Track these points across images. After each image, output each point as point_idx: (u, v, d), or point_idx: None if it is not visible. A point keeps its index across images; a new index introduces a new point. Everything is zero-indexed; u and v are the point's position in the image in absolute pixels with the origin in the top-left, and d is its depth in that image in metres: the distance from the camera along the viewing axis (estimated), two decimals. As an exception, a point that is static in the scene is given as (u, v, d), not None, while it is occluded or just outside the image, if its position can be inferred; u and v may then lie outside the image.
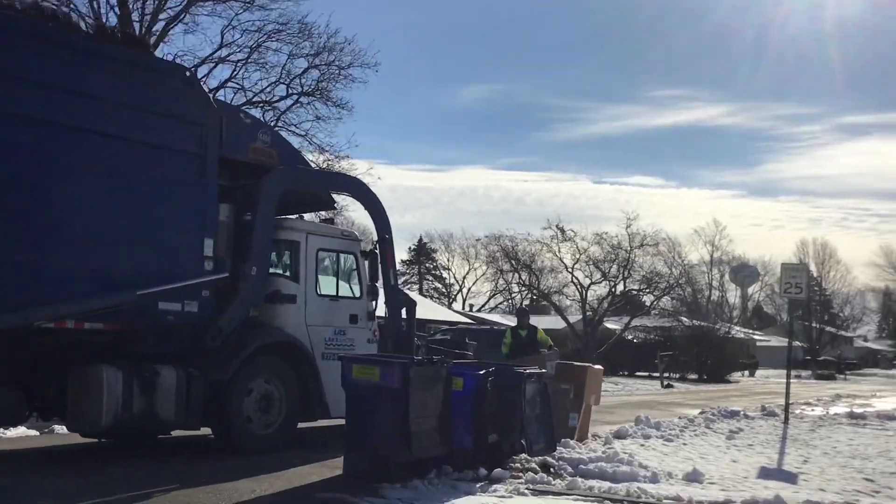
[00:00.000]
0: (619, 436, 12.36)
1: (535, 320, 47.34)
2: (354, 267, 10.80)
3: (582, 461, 9.41)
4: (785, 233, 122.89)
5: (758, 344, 70.29)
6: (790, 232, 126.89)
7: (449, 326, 34.68)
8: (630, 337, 46.83)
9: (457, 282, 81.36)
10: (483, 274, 71.08)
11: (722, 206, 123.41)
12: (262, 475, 8.02)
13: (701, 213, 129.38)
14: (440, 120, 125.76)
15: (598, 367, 12.91)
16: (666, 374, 37.63)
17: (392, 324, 10.90)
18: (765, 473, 10.29)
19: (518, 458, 9.31)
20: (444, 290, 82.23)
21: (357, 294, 10.76)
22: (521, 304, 74.78)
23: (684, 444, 12.34)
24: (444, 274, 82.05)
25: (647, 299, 47.31)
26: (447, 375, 8.35)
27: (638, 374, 44.08)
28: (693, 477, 9.17)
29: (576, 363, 13.06)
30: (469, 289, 79.91)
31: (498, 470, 8.54)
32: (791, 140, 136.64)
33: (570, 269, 45.54)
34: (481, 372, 8.93)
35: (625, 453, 10.52)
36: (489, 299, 76.63)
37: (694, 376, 42.47)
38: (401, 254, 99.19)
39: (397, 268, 11.23)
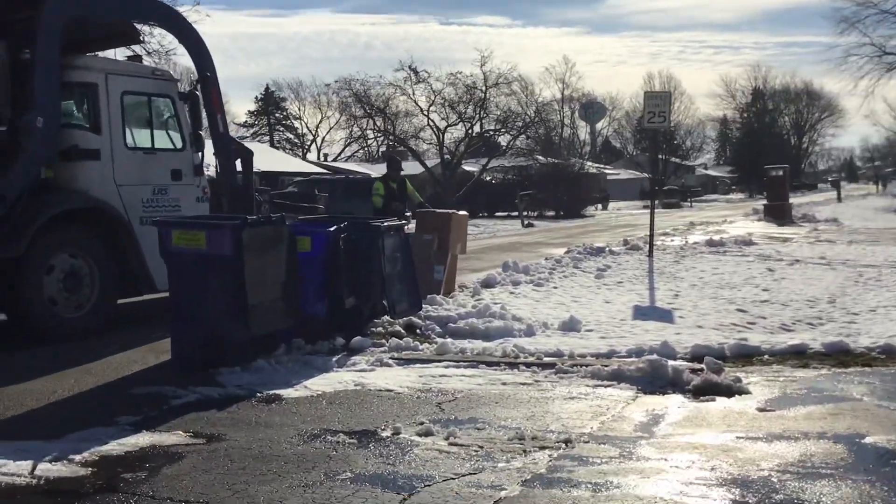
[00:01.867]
0: (488, 284, 11.55)
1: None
2: (172, 113, 8.98)
3: (451, 319, 8.46)
4: (628, 68, 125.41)
5: (608, 178, 72.15)
6: (632, 67, 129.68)
7: (302, 178, 32.92)
8: (488, 178, 46.52)
9: (310, 131, 78.43)
10: (337, 122, 68.37)
11: (568, 44, 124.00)
12: (69, 369, 6.60)
13: (548, 51, 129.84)
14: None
15: (462, 212, 11.88)
16: (525, 213, 37.65)
17: (225, 178, 9.31)
18: (640, 313, 9.76)
19: (380, 322, 8.25)
20: (296, 140, 79.16)
21: (178, 145, 9.02)
22: (379, 151, 73.38)
23: (555, 287, 11.70)
24: (296, 124, 78.77)
25: (504, 139, 46.90)
26: (290, 235, 7.03)
27: (497, 214, 44.10)
28: (570, 325, 8.44)
29: (438, 210, 11.92)
30: (323, 138, 77.31)
31: (357, 338, 7.46)
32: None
33: (425, 112, 44.23)
34: (331, 229, 7.66)
35: (495, 304, 9.68)
36: (345, 148, 74.46)
37: (552, 213, 42.87)
38: (247, 104, 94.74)
39: (226, 112, 9.47)
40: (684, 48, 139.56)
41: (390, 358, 6.94)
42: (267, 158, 46.62)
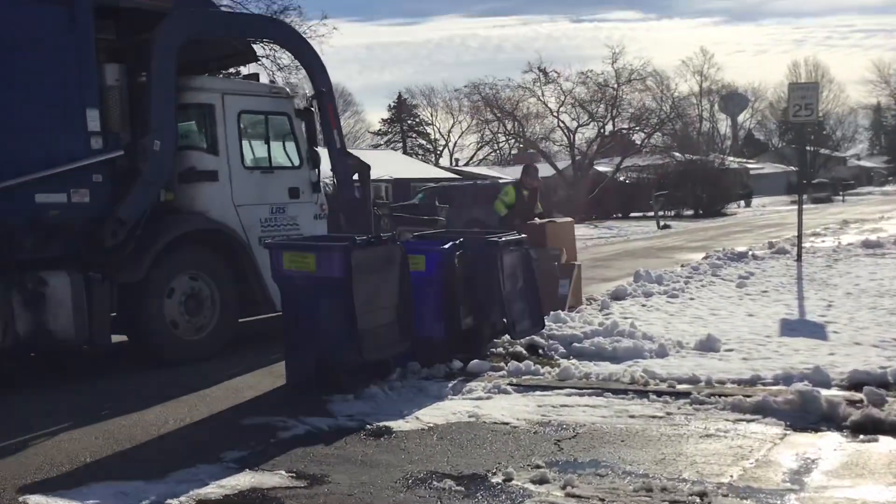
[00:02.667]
0: (618, 297, 10.92)
1: (520, 170, 45.77)
2: (289, 130, 8.89)
3: (576, 338, 7.95)
4: (770, 56, 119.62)
5: (751, 172, 68.83)
6: (775, 56, 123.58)
7: (431, 185, 32.95)
8: (622, 178, 45.21)
9: (442, 137, 78.99)
10: (468, 127, 68.45)
11: (705, 35, 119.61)
12: (185, 396, 6.53)
13: (684, 44, 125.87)
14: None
15: (565, 219, 11.21)
16: (661, 213, 36.29)
17: (342, 194, 9.14)
18: (788, 328, 8.89)
19: (501, 343, 7.86)
20: (429, 146, 79.94)
21: (295, 162, 8.93)
22: (510, 154, 72.97)
23: (691, 298, 10.93)
24: (429, 130, 79.52)
25: (638, 137, 45.47)
26: (403, 255, 6.72)
27: (632, 215, 42.77)
28: (708, 344, 7.74)
29: (536, 221, 11.01)
30: (455, 143, 77.67)
31: (475, 362, 7.07)
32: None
33: (555, 113, 43.55)
34: (446, 246, 7.31)
35: (625, 320, 9.09)
36: (476, 151, 74.52)
37: (690, 212, 41.17)
38: (381, 113, 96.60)
39: (342, 127, 9.28)
40: (831, 33, 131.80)
41: (508, 384, 6.51)
42: (399, 166, 47.19)
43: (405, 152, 70.88)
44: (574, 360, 7.43)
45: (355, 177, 9.32)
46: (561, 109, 43.49)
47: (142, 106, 7.60)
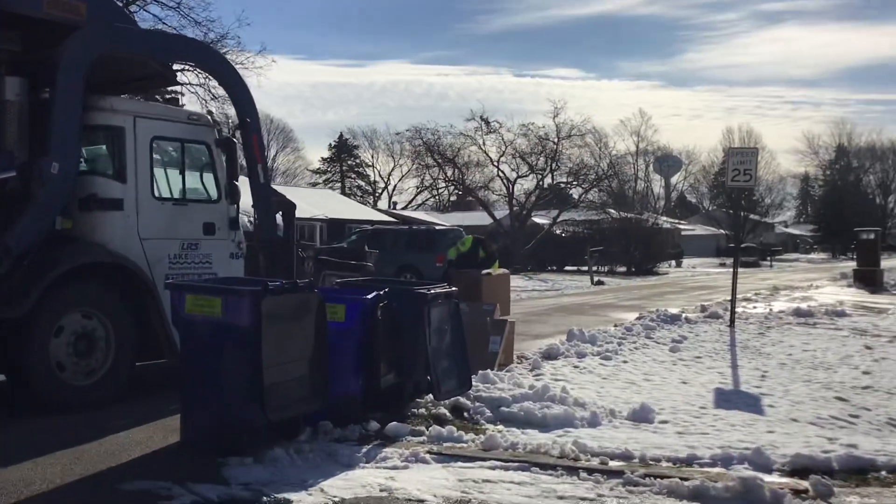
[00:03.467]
0: (550, 356, 10.47)
1: (460, 217, 45.36)
2: (208, 160, 8.24)
3: (504, 401, 7.42)
4: (704, 122, 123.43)
5: (682, 233, 70.04)
6: (709, 121, 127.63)
7: (371, 226, 32.37)
8: (559, 231, 45.35)
9: (382, 179, 78.64)
10: (409, 171, 68.19)
11: (642, 98, 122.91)
12: (60, 451, 5.76)
13: (622, 104, 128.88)
14: (358, 11, 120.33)
15: (500, 271, 10.84)
16: (595, 269, 36.32)
17: (263, 233, 8.49)
18: (723, 398, 8.54)
19: (423, 403, 7.29)
20: (368, 188, 79.47)
21: (213, 196, 8.27)
22: (449, 200, 72.84)
23: (624, 361, 10.54)
24: (369, 171, 79.11)
25: (576, 192, 45.78)
26: (320, 304, 6.13)
27: (567, 268, 42.84)
28: (641, 415, 7.31)
29: (471, 270, 10.58)
30: (395, 186, 77.35)
31: (393, 425, 6.48)
32: (709, 29, 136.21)
33: (495, 163, 43.56)
34: (369, 296, 6.75)
35: (557, 382, 8.64)
36: (415, 196, 74.26)
37: (623, 269, 41.38)
38: (321, 151, 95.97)
39: (268, 162, 8.68)
40: (761, 103, 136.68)
41: (428, 452, 5.92)
42: (336, 205, 46.52)
43: (343, 192, 70.25)
44: (501, 426, 6.91)
45: (279, 216, 8.71)
46: (501, 159, 43.56)
47: (42, 125, 6.90)
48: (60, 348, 6.91)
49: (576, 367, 9.93)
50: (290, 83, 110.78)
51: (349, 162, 78.37)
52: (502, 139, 42.69)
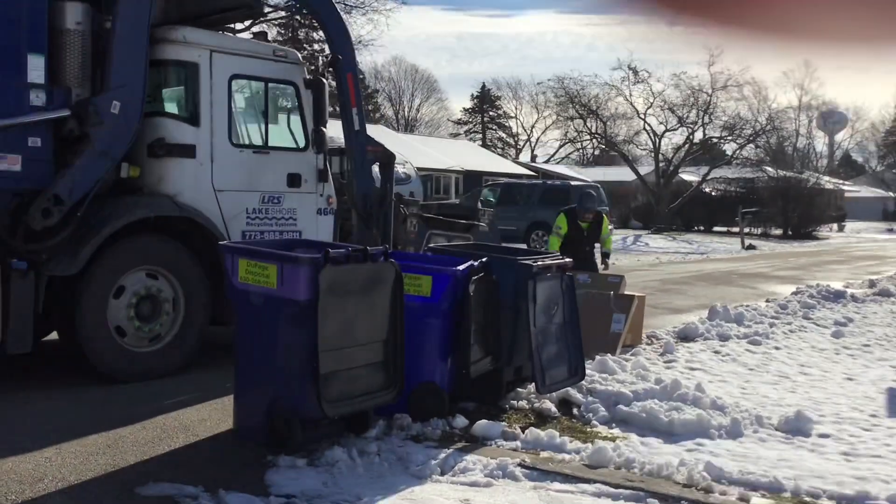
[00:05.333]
0: (686, 337, 9.07)
1: (601, 172, 43.36)
2: (296, 103, 7.29)
3: (623, 398, 6.18)
4: (875, 75, 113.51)
5: (846, 195, 64.83)
6: (881, 75, 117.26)
7: (507, 179, 31.18)
8: (708, 190, 42.55)
9: (525, 132, 76.83)
10: (553, 123, 65.99)
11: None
12: (93, 434, 5.01)
13: (783, 54, 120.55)
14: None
15: (638, 295, 8.80)
16: (747, 231, 33.71)
17: (357, 187, 7.52)
18: (900, 405, 6.96)
19: (525, 394, 6.18)
20: (509, 140, 77.92)
21: (300, 143, 7.35)
22: (593, 154, 70.39)
23: (776, 347, 8.99)
24: (511, 124, 77.44)
25: (729, 148, 42.75)
26: (396, 275, 5.08)
27: (716, 229, 40.19)
28: (797, 425, 5.90)
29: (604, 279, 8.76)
30: (538, 139, 75.40)
31: (483, 423, 5.40)
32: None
33: (642, 116, 41.16)
34: (461, 267, 5.63)
35: (692, 372, 7.32)
36: (558, 149, 72.12)
37: (778, 232, 38.37)
38: (465, 102, 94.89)
39: (364, 106, 7.58)
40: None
41: (519, 465, 4.80)
42: (474, 158, 45.48)
43: (484, 144, 69.09)
44: (617, 430, 5.70)
45: (376, 168, 7.71)
46: (648, 112, 41.09)
47: (102, 58, 6.12)
48: (120, 311, 6.20)
49: (716, 352, 8.50)
50: (437, 34, 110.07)
51: (490, 113, 76.92)
52: (650, 90, 40.25)
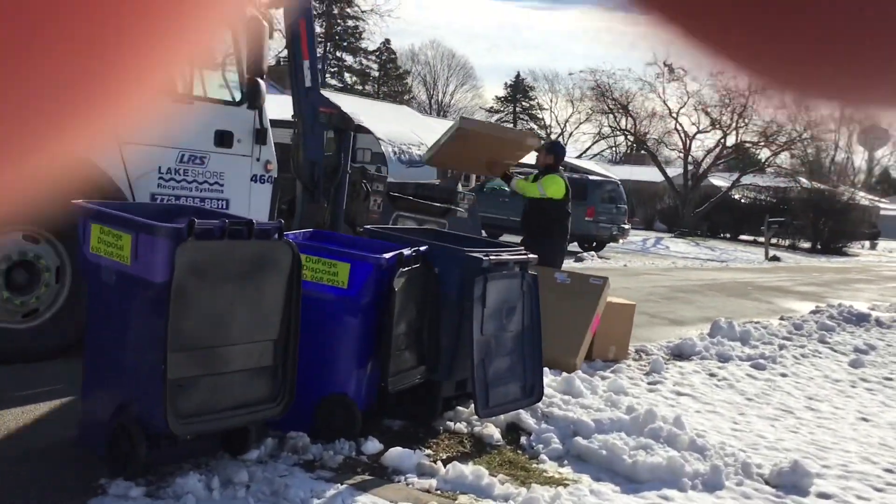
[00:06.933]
0: (681, 354, 7.96)
1: (628, 171, 41.89)
2: (231, 48, 6.21)
3: (583, 428, 5.10)
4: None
5: (881, 212, 62.76)
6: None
7: (526, 170, 29.94)
8: (737, 196, 41.06)
9: (558, 125, 75.30)
10: (588, 118, 64.45)
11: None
12: None
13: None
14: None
15: (623, 301, 7.56)
16: (775, 242, 32.29)
17: (304, 154, 6.45)
18: (923, 459, 5.81)
19: (468, 414, 5.12)
20: (541, 132, 76.47)
21: (234, 96, 6.27)
22: (627, 152, 68.74)
23: (783, 374, 7.85)
24: (545, 116, 75.98)
25: (764, 155, 41.17)
26: (293, 260, 4.02)
27: (742, 238, 38.75)
28: (790, 478, 4.80)
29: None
30: (571, 133, 73.85)
31: (396, 451, 4.33)
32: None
33: (674, 115, 39.69)
34: (388, 255, 4.56)
35: (677, 398, 6.24)
36: (591, 145, 70.57)
37: (807, 245, 36.85)
38: (499, 91, 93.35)
39: (314, 63, 6.37)
40: None
41: (426, 512, 3.75)
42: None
43: (514, 134, 67.67)
44: (568, 469, 4.63)
45: (330, 134, 6.64)
46: (682, 111, 39.62)
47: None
48: (-11, 279, 5.20)
49: (712, 375, 7.38)
50: (478, 22, 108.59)
51: (523, 103, 75.57)
52: (685, 89, 38.73)
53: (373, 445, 4.43)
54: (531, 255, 5.31)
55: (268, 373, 4.03)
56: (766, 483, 4.78)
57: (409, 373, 4.79)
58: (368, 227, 5.30)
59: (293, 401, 4.07)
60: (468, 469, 4.22)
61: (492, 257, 4.95)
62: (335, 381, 4.53)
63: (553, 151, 7.87)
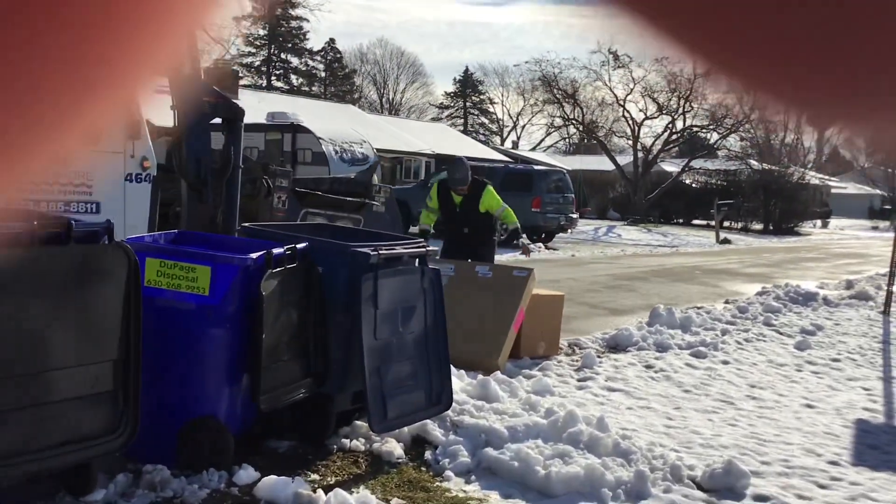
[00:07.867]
0: (617, 345, 7.50)
1: (579, 161, 41.58)
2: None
3: (495, 437, 4.57)
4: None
5: (832, 191, 63.51)
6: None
7: (472, 164, 29.42)
8: (688, 181, 40.98)
9: (510, 118, 75.01)
10: (540, 109, 64.18)
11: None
12: None
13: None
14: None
15: (554, 293, 7.13)
16: (728, 225, 32.18)
17: (188, 149, 5.84)
18: (869, 445, 5.41)
19: (365, 430, 4.57)
20: (493, 126, 76.19)
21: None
22: (574, 141, 68.67)
23: (725, 362, 7.41)
24: (497, 110, 75.67)
25: (712, 138, 41.16)
26: (130, 266, 3.42)
27: (695, 222, 38.70)
28: (724, 481, 4.34)
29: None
30: (524, 126, 73.62)
31: (270, 480, 3.76)
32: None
33: (621, 102, 39.47)
34: (255, 255, 3.97)
35: (608, 394, 5.76)
36: (543, 138, 70.39)
37: (759, 227, 36.89)
38: (447, 86, 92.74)
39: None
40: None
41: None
42: (449, 142, 43.69)
43: (465, 130, 67.32)
44: (475, 485, 4.11)
45: (217, 122, 6.03)
46: (628, 98, 39.41)
47: None
48: None
49: (648, 366, 6.91)
50: (427, 21, 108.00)
51: (473, 98, 75.14)
52: (631, 76, 38.52)
53: (246, 474, 3.86)
54: (430, 248, 4.77)
55: (106, 399, 3.43)
56: (698, 487, 4.30)
57: (290, 387, 4.22)
58: (245, 224, 4.73)
59: (137, 429, 3.48)
60: (354, 497, 3.67)
61: (382, 252, 4.40)
62: (201, 402, 3.95)
63: (469, 178, 7.18)
